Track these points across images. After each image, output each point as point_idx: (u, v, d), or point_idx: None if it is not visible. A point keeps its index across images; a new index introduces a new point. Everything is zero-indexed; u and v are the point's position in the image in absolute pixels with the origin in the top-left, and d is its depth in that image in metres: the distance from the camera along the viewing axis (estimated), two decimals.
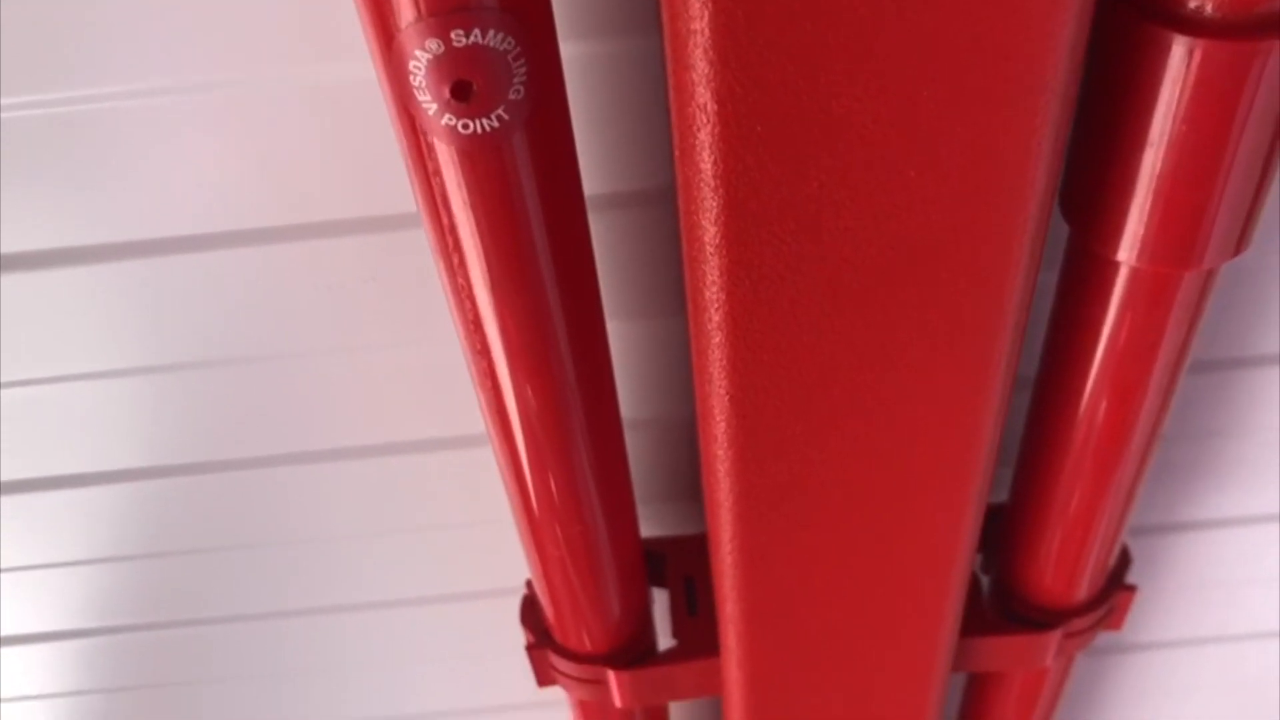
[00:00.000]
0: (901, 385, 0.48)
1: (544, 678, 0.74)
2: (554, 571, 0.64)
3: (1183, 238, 0.46)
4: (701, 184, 0.40)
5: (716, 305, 0.44)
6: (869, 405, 0.49)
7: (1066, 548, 0.66)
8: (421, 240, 0.48)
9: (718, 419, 0.50)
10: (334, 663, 0.93)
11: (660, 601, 0.74)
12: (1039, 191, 0.40)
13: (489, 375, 0.52)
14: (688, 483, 0.78)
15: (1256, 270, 0.68)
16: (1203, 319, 0.54)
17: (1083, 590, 0.70)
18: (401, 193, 0.58)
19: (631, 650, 0.70)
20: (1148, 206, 0.45)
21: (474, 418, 0.62)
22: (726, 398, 0.48)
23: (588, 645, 0.69)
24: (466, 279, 0.47)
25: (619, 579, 0.65)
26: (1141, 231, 0.46)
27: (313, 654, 0.92)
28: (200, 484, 0.76)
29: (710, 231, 0.41)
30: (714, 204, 0.40)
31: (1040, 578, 0.69)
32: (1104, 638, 0.97)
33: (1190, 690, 1.06)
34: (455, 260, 0.46)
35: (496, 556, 0.82)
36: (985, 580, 0.75)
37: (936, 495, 0.53)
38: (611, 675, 0.70)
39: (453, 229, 0.45)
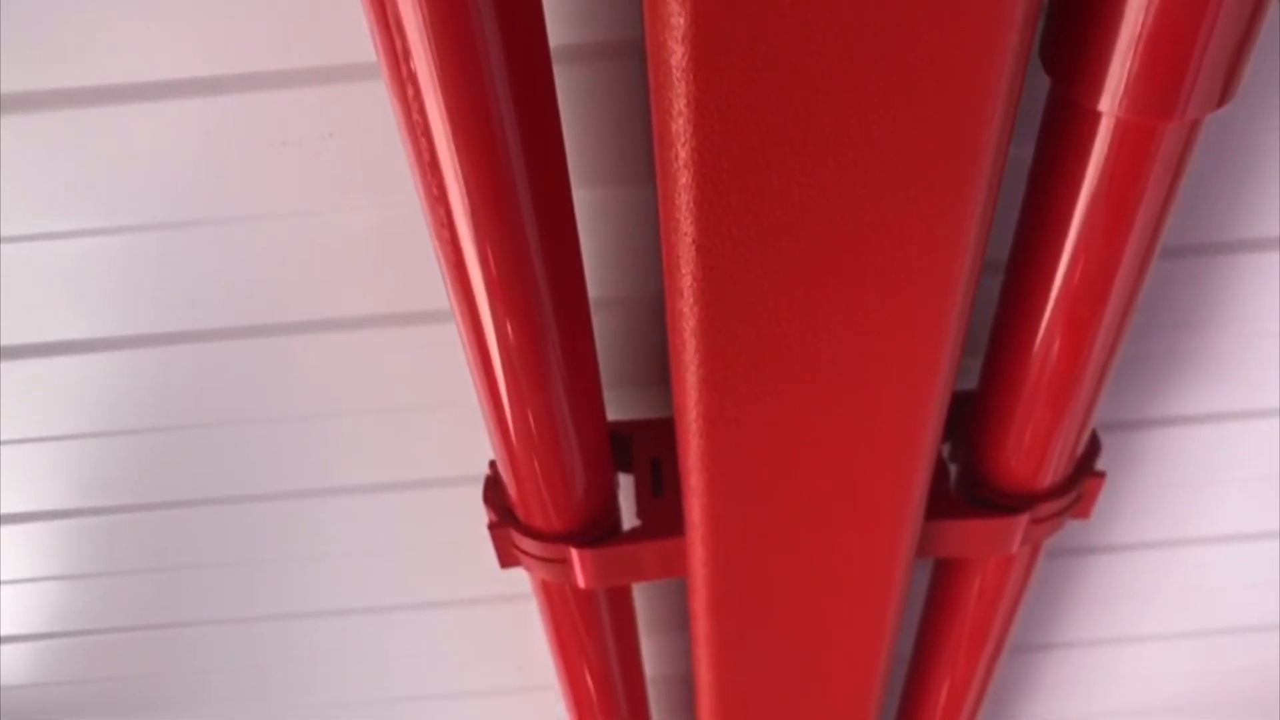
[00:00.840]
0: (872, 236, 0.46)
1: (506, 557, 0.73)
2: (517, 443, 0.63)
3: (1167, 82, 0.44)
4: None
5: (683, 140, 0.42)
6: (838, 259, 0.47)
7: (1035, 429, 0.65)
8: (385, 94, 0.46)
9: (684, 271, 0.48)
10: (293, 552, 0.92)
11: (626, 490, 0.74)
12: (1019, 16, 0.39)
13: (447, 225, 0.50)
14: (657, 368, 0.77)
15: (1236, 152, 0.66)
16: (1180, 197, 0.53)
17: (1050, 474, 0.69)
18: (364, 41, 0.56)
19: (595, 529, 0.70)
20: (1132, 48, 0.43)
21: (440, 292, 0.59)
22: (693, 246, 0.46)
23: (551, 523, 0.69)
24: (422, 113, 0.45)
25: (583, 452, 0.64)
26: (1124, 76, 0.44)
27: (277, 542, 0.91)
28: (149, 358, 0.73)
29: (677, 53, 0.39)
30: (680, 21, 0.38)
31: (1007, 461, 0.68)
32: (1071, 538, 0.98)
33: (1151, 595, 1.07)
34: (410, 92, 0.44)
35: (459, 442, 0.81)
36: (953, 469, 0.75)
37: (904, 356, 0.52)
38: (574, 554, 0.69)
39: (406, 55, 0.42)
